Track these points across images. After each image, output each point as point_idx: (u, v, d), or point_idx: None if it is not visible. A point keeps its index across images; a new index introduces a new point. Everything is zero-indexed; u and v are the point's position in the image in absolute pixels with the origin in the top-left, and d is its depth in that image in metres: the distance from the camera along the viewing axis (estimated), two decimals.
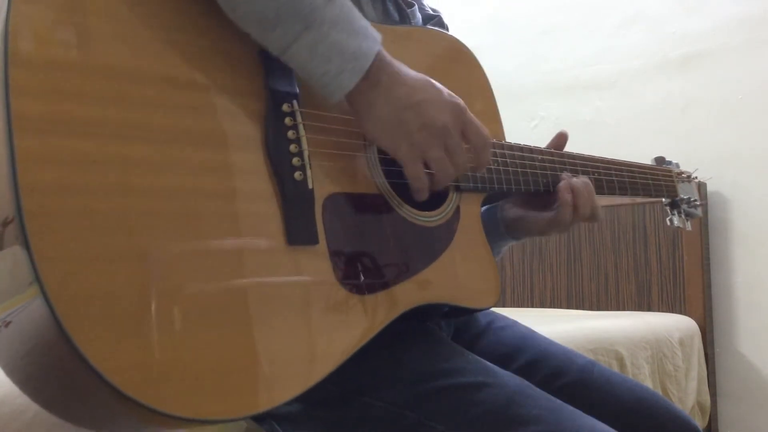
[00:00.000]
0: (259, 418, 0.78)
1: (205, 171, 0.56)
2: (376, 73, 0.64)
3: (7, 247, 0.47)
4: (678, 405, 1.52)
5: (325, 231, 0.64)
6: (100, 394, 0.48)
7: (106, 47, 0.52)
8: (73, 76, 0.50)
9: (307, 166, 0.63)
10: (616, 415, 0.83)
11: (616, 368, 1.59)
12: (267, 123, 0.61)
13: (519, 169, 0.87)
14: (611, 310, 2.33)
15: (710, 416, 2.08)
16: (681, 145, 2.26)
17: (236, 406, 0.53)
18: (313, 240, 0.62)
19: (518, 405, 0.67)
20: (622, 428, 0.73)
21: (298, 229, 0.61)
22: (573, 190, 0.87)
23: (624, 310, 2.31)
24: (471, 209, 0.82)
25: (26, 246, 0.44)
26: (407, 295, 0.70)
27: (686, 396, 1.91)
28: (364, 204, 0.70)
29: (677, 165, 1.22)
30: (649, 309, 2.28)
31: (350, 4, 0.64)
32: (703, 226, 2.22)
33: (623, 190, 1.02)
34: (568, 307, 2.45)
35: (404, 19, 0.93)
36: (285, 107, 0.63)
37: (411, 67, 0.70)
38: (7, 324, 0.49)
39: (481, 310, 0.81)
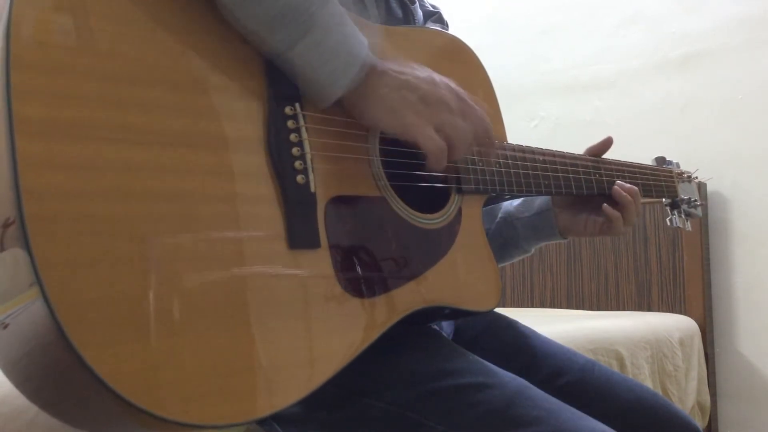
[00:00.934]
0: (260, 420, 0.78)
1: (207, 174, 0.56)
2: (367, 72, 0.65)
3: (9, 248, 0.47)
4: (678, 405, 1.52)
5: (327, 234, 0.63)
6: (99, 397, 0.47)
7: (108, 50, 0.52)
8: (75, 79, 0.50)
9: (310, 169, 0.63)
10: (616, 415, 0.83)
11: (616, 368, 1.59)
12: (269, 125, 0.61)
13: (521, 171, 0.88)
14: (611, 310, 2.33)
15: (710, 416, 2.08)
16: (681, 145, 2.26)
17: (238, 411, 0.53)
18: (315, 243, 0.62)
19: (518, 406, 0.67)
20: (622, 428, 0.73)
21: (299, 233, 0.61)
22: (632, 195, 0.95)
23: (624, 310, 2.31)
24: (472, 211, 0.82)
25: (27, 249, 0.44)
26: (409, 297, 0.70)
27: (686, 396, 1.91)
28: (367, 206, 0.70)
29: (678, 165, 1.21)
30: (649, 309, 2.28)
31: (340, 8, 0.65)
32: (703, 226, 2.22)
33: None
34: (568, 307, 2.45)
35: (407, 15, 0.94)
36: (287, 110, 0.63)
37: None
38: (6, 326, 0.49)
39: (482, 312, 0.81)
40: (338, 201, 0.66)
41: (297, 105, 0.63)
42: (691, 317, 2.15)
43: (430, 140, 0.67)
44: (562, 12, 2.65)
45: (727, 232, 2.25)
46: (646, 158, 1.20)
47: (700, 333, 2.11)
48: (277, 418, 0.75)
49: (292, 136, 0.62)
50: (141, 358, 0.48)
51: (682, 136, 2.31)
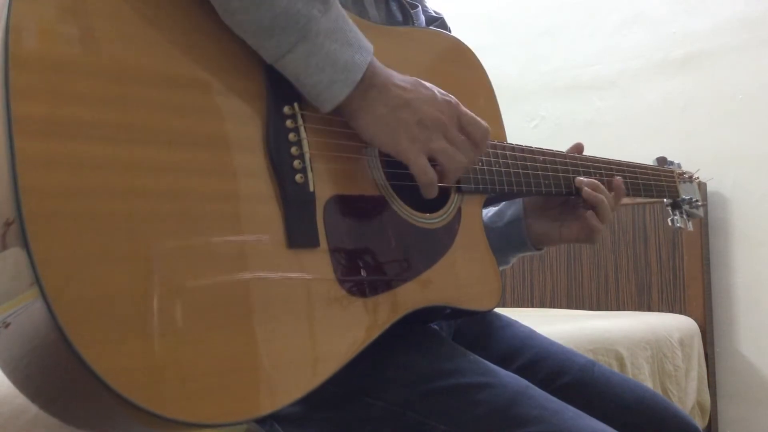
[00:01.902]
0: (260, 419, 0.78)
1: (206, 173, 0.56)
2: (367, 83, 0.64)
3: (10, 247, 0.47)
4: (678, 405, 1.52)
5: (327, 233, 0.63)
6: (99, 397, 0.47)
7: (107, 48, 0.52)
8: (74, 77, 0.50)
9: (309, 169, 0.63)
10: (616, 414, 0.83)
11: (616, 368, 1.59)
12: (268, 125, 0.61)
13: (521, 171, 0.87)
14: (611, 310, 2.33)
15: (710, 416, 2.08)
16: (681, 145, 2.26)
17: (238, 409, 0.53)
18: (314, 242, 0.62)
19: (519, 405, 0.67)
20: (622, 428, 0.73)
21: (299, 232, 0.61)
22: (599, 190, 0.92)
23: (624, 310, 2.31)
24: (472, 211, 0.82)
25: (26, 248, 0.44)
26: (409, 297, 0.70)
27: (686, 396, 1.91)
28: (366, 206, 0.70)
29: (679, 165, 1.21)
30: (649, 309, 2.28)
31: (344, 15, 0.64)
32: (703, 226, 2.22)
33: (626, 191, 1.02)
34: (568, 307, 2.45)
35: (407, 20, 0.93)
36: (286, 109, 0.63)
37: (412, 68, 0.70)
38: (7, 325, 0.49)
39: (482, 312, 0.81)
40: (337, 200, 0.66)
41: (296, 104, 0.63)
42: (691, 317, 2.15)
43: (422, 173, 0.68)
44: (562, 12, 2.65)
45: (727, 232, 2.25)
46: (647, 158, 1.20)
47: (700, 333, 2.11)
48: (277, 417, 0.75)
49: (291, 136, 0.62)
50: (142, 356, 0.48)
51: (683, 136, 2.31)
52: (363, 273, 0.66)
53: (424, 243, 0.75)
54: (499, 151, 0.85)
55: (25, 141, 0.46)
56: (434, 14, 1.01)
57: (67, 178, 0.48)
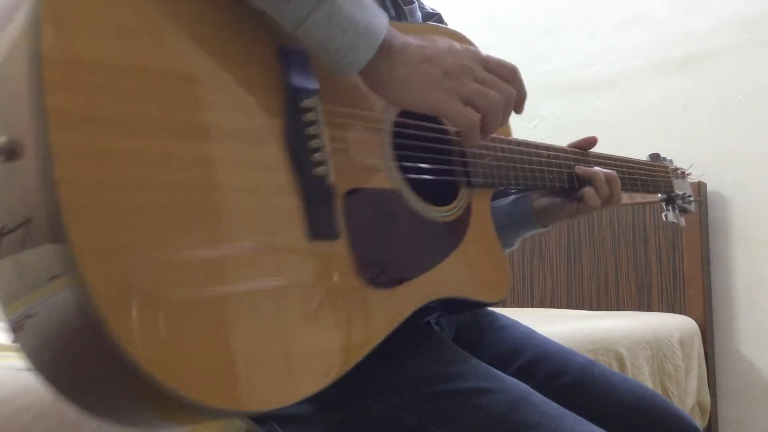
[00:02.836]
0: (260, 419, 0.78)
1: (228, 166, 0.56)
2: (387, 46, 0.64)
3: (29, 241, 0.47)
4: (678, 405, 1.52)
5: (346, 226, 0.64)
6: (127, 383, 0.48)
7: (136, 43, 0.53)
8: (107, 71, 0.50)
9: (328, 162, 0.63)
10: (616, 414, 0.83)
11: (616, 368, 1.59)
12: (288, 118, 0.61)
13: (527, 165, 0.89)
14: (611, 310, 2.33)
15: (710, 416, 2.08)
16: (681, 145, 2.26)
17: (270, 397, 0.54)
18: (333, 234, 0.63)
19: (520, 411, 0.67)
20: (622, 428, 0.73)
21: (319, 224, 0.61)
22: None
23: (624, 310, 2.31)
24: (481, 205, 0.84)
25: (64, 241, 0.45)
26: (424, 288, 0.71)
27: (686, 396, 1.91)
28: (382, 199, 0.70)
29: (671, 161, 1.24)
30: (649, 309, 2.28)
31: None
32: (703, 226, 2.22)
33: (623, 186, 1.04)
34: (568, 307, 2.45)
35: (400, 16, 0.94)
36: (306, 103, 0.63)
37: None
38: (33, 315, 0.49)
39: (494, 304, 0.82)
40: (355, 193, 0.67)
41: (316, 98, 0.64)
42: (691, 317, 2.15)
43: (461, 117, 0.67)
44: (562, 12, 2.65)
45: (727, 232, 2.25)
46: (645, 157, 1.21)
47: (700, 333, 2.11)
48: (276, 417, 0.75)
49: (310, 129, 0.63)
50: (180, 346, 0.49)
51: (683, 136, 2.31)
52: (381, 265, 0.67)
53: (438, 236, 0.76)
54: (506, 146, 0.87)
55: (60, 133, 0.46)
56: (431, 10, 1.02)
57: (101, 170, 0.48)
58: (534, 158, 0.90)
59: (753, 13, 2.23)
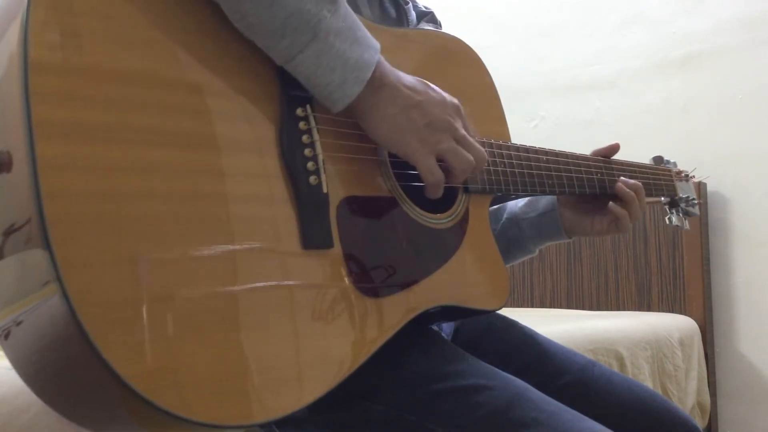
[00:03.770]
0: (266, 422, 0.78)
1: (221, 175, 0.56)
2: (377, 81, 0.64)
3: (17, 251, 0.47)
4: (678, 405, 1.52)
5: (340, 234, 0.64)
6: (113, 396, 0.48)
7: (126, 53, 0.53)
8: (93, 81, 0.50)
9: (322, 170, 0.63)
10: (616, 414, 0.83)
11: (616, 368, 1.59)
12: (281, 127, 0.61)
13: (525, 171, 0.88)
14: (611, 310, 2.33)
15: (710, 416, 2.08)
16: (681, 145, 2.26)
17: (261, 409, 0.54)
18: (328, 243, 0.63)
19: (518, 408, 0.67)
20: (622, 428, 0.73)
21: (313, 233, 0.61)
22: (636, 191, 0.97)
23: (624, 310, 2.31)
24: (479, 211, 0.83)
25: (49, 251, 0.44)
26: (421, 297, 0.70)
27: (686, 396, 1.91)
28: (377, 207, 0.70)
29: (675, 164, 1.22)
30: (649, 309, 2.28)
31: (352, 13, 0.64)
32: (703, 226, 2.22)
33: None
34: (568, 307, 2.45)
35: (401, 16, 0.94)
36: (299, 111, 0.63)
37: (413, 70, 0.70)
38: (19, 323, 0.49)
39: (491, 311, 0.82)
40: (350, 201, 0.66)
41: (308, 106, 0.64)
42: (691, 317, 2.15)
43: (429, 173, 0.68)
44: (562, 12, 2.65)
45: (727, 232, 2.25)
46: (646, 158, 1.20)
47: (700, 333, 2.11)
48: (276, 419, 0.75)
49: (304, 138, 0.63)
50: (163, 357, 0.49)
51: (683, 136, 2.31)
52: (376, 273, 0.67)
53: (434, 243, 0.75)
54: (504, 151, 0.86)
55: (46, 144, 0.46)
56: (424, 9, 1.02)
57: (87, 181, 0.48)
58: (533, 163, 0.89)
59: (753, 13, 2.23)
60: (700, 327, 2.13)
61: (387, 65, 0.66)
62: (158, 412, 0.47)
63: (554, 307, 2.48)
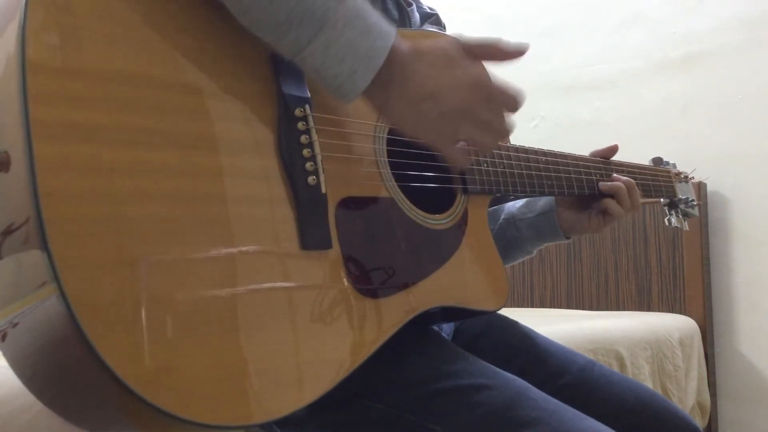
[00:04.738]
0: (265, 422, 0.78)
1: (219, 176, 0.56)
2: (388, 70, 0.62)
3: (14, 252, 0.47)
4: (678, 405, 1.52)
5: (338, 235, 0.64)
6: (111, 397, 0.48)
7: (123, 53, 0.53)
8: (90, 81, 0.50)
9: (320, 171, 0.63)
10: (616, 414, 0.83)
11: (616, 368, 1.59)
12: (280, 128, 0.61)
13: (524, 171, 0.88)
14: (611, 310, 2.33)
15: (710, 416, 2.08)
16: (681, 145, 2.26)
17: (260, 410, 0.54)
18: (326, 244, 0.62)
19: (518, 407, 0.67)
20: (622, 428, 0.73)
21: (311, 234, 0.61)
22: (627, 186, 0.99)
23: (624, 310, 2.31)
24: (478, 212, 0.83)
25: (47, 252, 0.44)
26: (420, 297, 0.70)
27: (686, 396, 1.91)
28: (376, 207, 0.70)
29: (674, 165, 1.23)
30: (649, 309, 2.28)
31: (362, 0, 0.61)
32: (703, 226, 2.22)
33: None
34: (568, 307, 2.45)
35: (404, 17, 0.93)
36: (297, 112, 0.63)
37: None
38: (16, 324, 0.49)
39: (490, 312, 0.82)
40: (348, 202, 0.66)
41: (307, 106, 0.63)
42: (691, 317, 2.15)
43: (452, 161, 0.70)
44: (562, 12, 2.65)
45: (727, 232, 2.25)
46: (646, 158, 1.21)
47: (700, 333, 2.11)
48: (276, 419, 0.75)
49: (303, 138, 0.62)
50: (162, 358, 0.49)
51: (682, 136, 2.31)
52: (375, 274, 0.67)
53: (433, 244, 0.75)
54: (503, 152, 0.86)
55: (44, 145, 0.46)
56: (429, 10, 1.01)
57: (85, 182, 0.48)
58: (532, 164, 0.90)
59: (753, 13, 2.23)
60: (700, 327, 2.13)
61: (403, 48, 0.63)
62: (157, 413, 0.47)
63: (554, 307, 2.48)
